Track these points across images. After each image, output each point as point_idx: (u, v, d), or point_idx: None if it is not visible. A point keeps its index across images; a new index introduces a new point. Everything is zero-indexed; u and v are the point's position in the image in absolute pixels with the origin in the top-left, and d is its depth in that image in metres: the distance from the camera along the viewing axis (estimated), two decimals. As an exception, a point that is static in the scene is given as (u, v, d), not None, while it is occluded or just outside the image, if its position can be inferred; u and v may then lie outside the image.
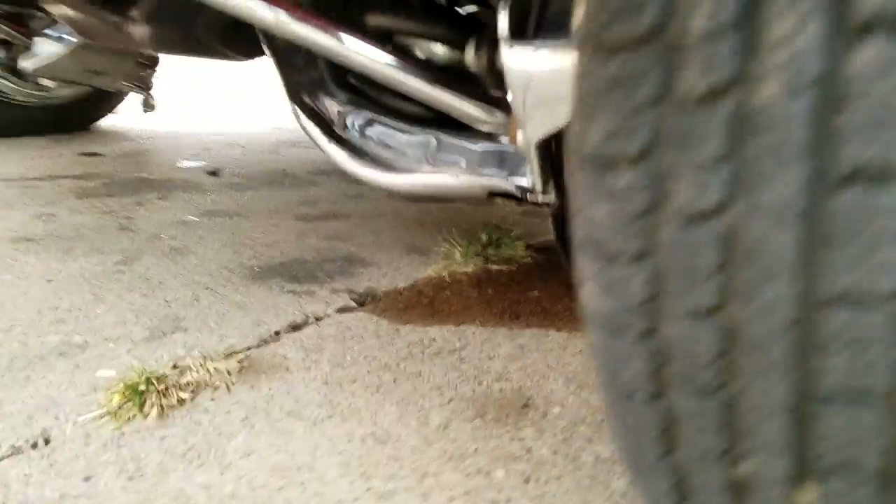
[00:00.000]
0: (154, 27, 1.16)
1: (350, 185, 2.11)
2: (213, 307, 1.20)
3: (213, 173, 2.16)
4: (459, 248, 1.48)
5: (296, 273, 1.38)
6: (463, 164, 0.85)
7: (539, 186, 0.63)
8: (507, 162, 0.83)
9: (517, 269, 1.44)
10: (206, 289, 1.28)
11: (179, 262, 1.41)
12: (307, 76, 1.03)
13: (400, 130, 0.90)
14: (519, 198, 0.87)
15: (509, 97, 0.59)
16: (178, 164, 2.30)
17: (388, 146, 0.91)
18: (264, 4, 0.78)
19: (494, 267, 1.44)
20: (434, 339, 1.11)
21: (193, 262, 1.41)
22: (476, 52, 0.62)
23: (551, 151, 0.59)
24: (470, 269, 1.42)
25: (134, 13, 1.11)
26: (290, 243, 1.55)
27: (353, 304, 1.25)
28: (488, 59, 0.63)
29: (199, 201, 1.86)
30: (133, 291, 1.26)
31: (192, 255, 1.45)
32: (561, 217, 0.65)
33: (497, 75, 0.68)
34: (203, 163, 2.34)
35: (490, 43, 0.62)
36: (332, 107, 0.99)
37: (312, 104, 1.00)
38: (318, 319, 1.18)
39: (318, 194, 2.00)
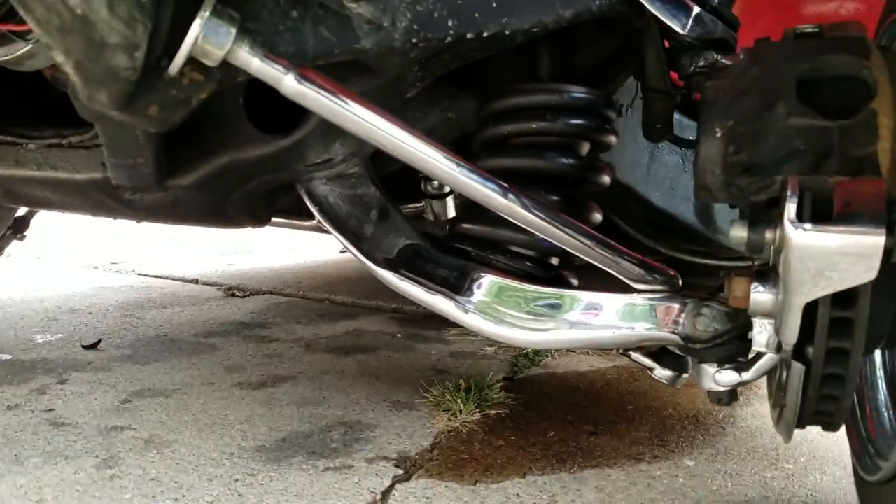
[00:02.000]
0: (190, 196, 1.06)
1: (248, 344, 1.99)
2: (265, 502, 1.06)
3: (93, 346, 1.87)
4: (449, 398, 1.50)
5: (311, 447, 1.27)
6: (600, 319, 0.94)
7: (790, 340, 0.75)
8: (645, 316, 0.94)
9: (512, 411, 1.50)
10: (235, 481, 1.13)
11: (167, 458, 1.21)
12: (405, 244, 1.05)
13: (530, 293, 0.96)
14: (659, 353, 0.99)
15: (781, 267, 0.72)
16: (36, 339, 1.94)
17: (520, 308, 0.96)
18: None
19: (492, 412, 1.48)
20: (518, 495, 1.12)
21: (186, 455, 1.22)
22: (758, 229, 0.74)
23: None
24: (475, 416, 1.45)
25: (181, 181, 1.01)
26: (267, 417, 1.42)
27: (400, 471, 1.20)
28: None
29: (113, 381, 1.60)
30: None
31: (175, 447, 1.25)
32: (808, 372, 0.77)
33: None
34: (60, 335, 2.00)
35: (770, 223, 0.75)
36: (440, 271, 1.01)
37: (420, 273, 1.01)
38: (384, 494, 1.11)
39: (231, 358, 1.84)
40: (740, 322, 0.91)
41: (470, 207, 1.11)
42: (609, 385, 1.75)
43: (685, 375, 1.32)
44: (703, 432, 1.44)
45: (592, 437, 1.39)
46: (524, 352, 1.96)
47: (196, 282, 3.01)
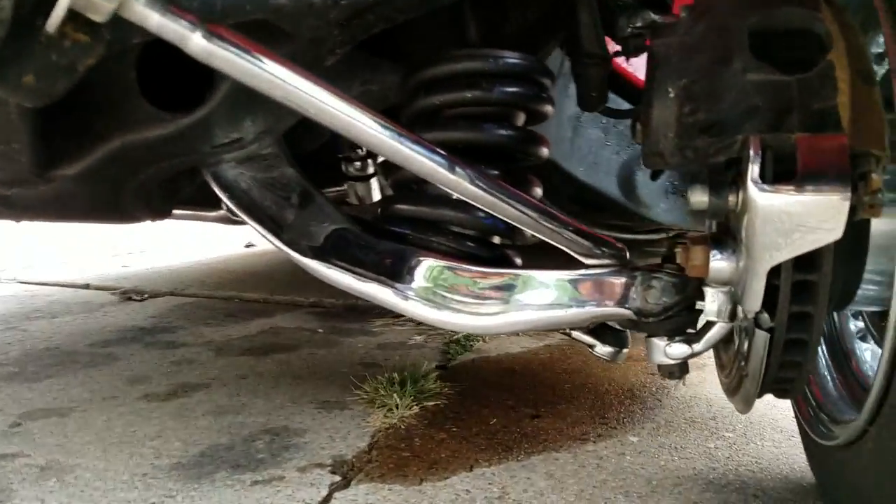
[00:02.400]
0: (78, 188, 0.91)
1: (152, 351, 1.82)
2: (190, 527, 0.95)
3: (-31, 366, 1.65)
4: (383, 393, 1.41)
5: (235, 460, 1.16)
6: (551, 298, 0.89)
7: (754, 307, 0.71)
8: (597, 292, 0.89)
9: (450, 400, 1.44)
10: (151, 508, 1.00)
11: (68, 485, 1.06)
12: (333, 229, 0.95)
13: (476, 275, 0.89)
14: (620, 329, 0.94)
15: (742, 230, 0.68)
16: None
17: (466, 292, 0.88)
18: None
19: (430, 403, 1.41)
20: (468, 490, 1.06)
21: (90, 480, 1.08)
22: (721, 192, 0.70)
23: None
24: (412, 410, 1.37)
25: (66, 170, 0.85)
26: (180, 430, 1.29)
27: (338, 478, 1.11)
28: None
29: (3, 406, 1.41)
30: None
31: (78, 472, 1.10)
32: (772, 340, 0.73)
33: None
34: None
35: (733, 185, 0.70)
36: (374, 257, 0.92)
37: (356, 261, 0.91)
38: (324, 505, 1.02)
39: (134, 368, 1.67)
40: (689, 293, 0.88)
41: (403, 187, 1.03)
42: (544, 365, 1.72)
43: (625, 351, 1.30)
44: (640, 406, 1.43)
45: (535, 419, 1.34)
46: (455, 337, 1.90)
47: (87, 287, 2.76)
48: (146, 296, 2.59)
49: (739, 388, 0.85)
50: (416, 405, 1.39)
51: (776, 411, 1.38)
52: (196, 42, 0.60)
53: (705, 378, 1.61)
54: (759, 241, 0.67)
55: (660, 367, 0.95)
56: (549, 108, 1.00)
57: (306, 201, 1.00)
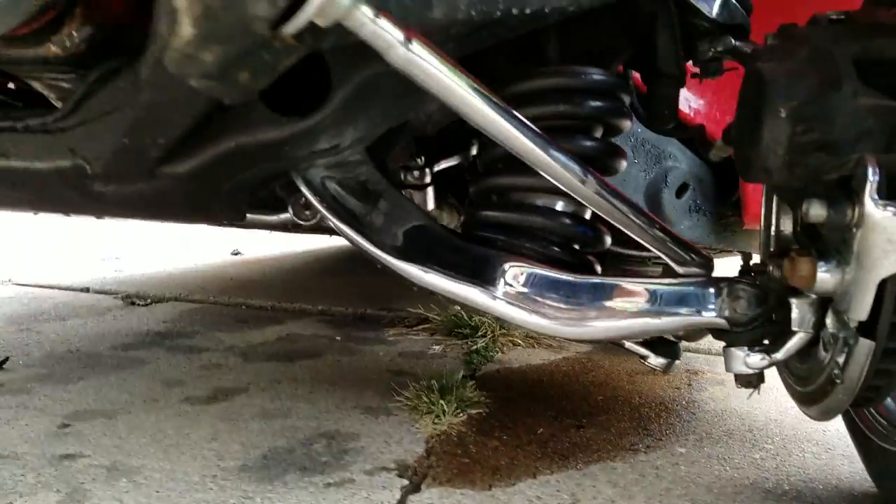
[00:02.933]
0: (181, 186, 0.91)
1: (177, 356, 1.81)
2: (277, 527, 0.95)
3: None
4: (426, 400, 1.43)
5: (300, 463, 1.16)
6: (645, 306, 0.92)
7: (861, 316, 0.76)
8: (690, 301, 0.93)
9: (491, 409, 1.46)
10: (231, 508, 1.00)
11: (142, 486, 1.05)
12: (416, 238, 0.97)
13: (570, 281, 0.92)
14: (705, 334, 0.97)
15: (856, 244, 0.73)
16: None
17: (559, 297, 0.91)
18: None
19: (473, 411, 1.44)
20: (539, 497, 1.09)
21: (163, 481, 1.07)
22: (839, 207, 0.74)
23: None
24: (459, 418, 1.39)
25: (176, 168, 0.86)
26: (234, 433, 1.28)
27: (406, 481, 1.12)
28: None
29: (38, 405, 1.38)
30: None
31: (146, 472, 1.09)
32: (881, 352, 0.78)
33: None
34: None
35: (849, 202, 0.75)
36: (464, 260, 0.95)
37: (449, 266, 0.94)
38: (401, 508, 1.03)
39: (164, 372, 1.65)
40: (771, 304, 0.93)
41: (487, 194, 1.05)
42: (568, 377, 1.75)
43: (677, 362, 1.35)
44: (676, 418, 1.48)
45: (580, 430, 1.37)
46: (475, 348, 1.92)
47: (87, 290, 2.71)
48: (149, 301, 2.55)
49: (825, 398, 0.90)
50: (461, 412, 1.41)
51: (808, 425, 1.44)
52: (399, 52, 0.63)
53: (728, 393, 1.67)
54: (873, 253, 0.71)
55: (737, 377, 0.99)
56: (627, 123, 1.04)
57: (392, 203, 1.02)
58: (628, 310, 0.92)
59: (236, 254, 4.29)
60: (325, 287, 3.07)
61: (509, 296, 0.92)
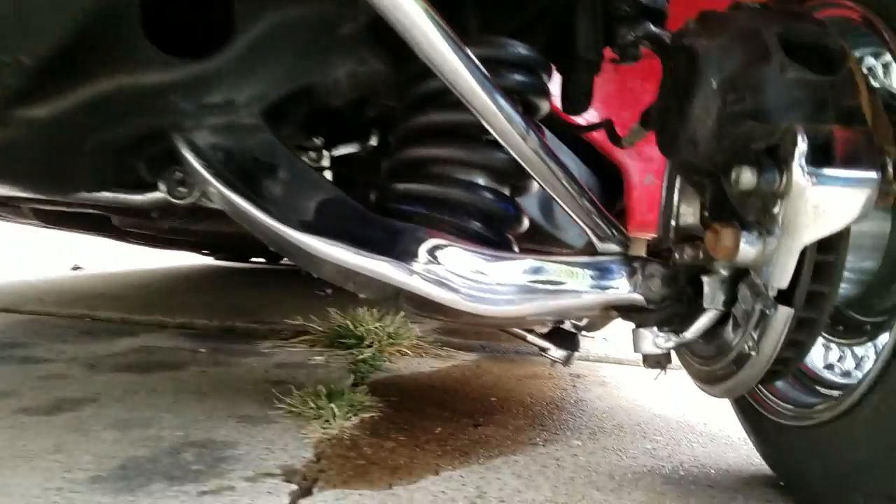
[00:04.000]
0: (38, 139, 0.73)
1: (10, 367, 1.55)
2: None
3: None
4: (313, 406, 1.31)
5: (167, 472, 1.01)
6: (567, 284, 0.89)
7: (783, 284, 0.76)
8: (611, 278, 0.91)
9: (384, 413, 1.37)
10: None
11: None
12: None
13: (493, 258, 0.86)
14: (622, 315, 0.95)
15: (782, 212, 0.73)
16: None
17: (480, 276, 0.86)
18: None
19: (366, 415, 1.34)
20: (444, 492, 1.01)
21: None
22: (769, 173, 0.73)
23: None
24: (351, 421, 1.29)
25: (37, 111, 0.68)
26: (83, 444, 1.10)
27: (294, 486, 1.00)
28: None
29: None
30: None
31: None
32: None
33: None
34: None
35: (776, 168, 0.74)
36: (379, 235, 0.86)
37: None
38: (294, 514, 0.92)
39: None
40: (682, 282, 0.93)
41: (403, 167, 0.98)
42: (460, 382, 1.70)
43: (576, 353, 1.33)
44: (568, 415, 1.46)
45: (478, 427, 1.32)
46: (362, 358, 1.82)
47: None
48: (-29, 312, 2.20)
49: (733, 375, 0.90)
50: (353, 416, 1.31)
51: (691, 419, 1.49)
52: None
53: (612, 393, 1.69)
54: (799, 220, 0.73)
55: (646, 357, 0.98)
56: (546, 105, 1.02)
57: (294, 174, 0.92)
58: (551, 288, 0.88)
59: (77, 269, 3.86)
60: (188, 302, 2.82)
61: (427, 271, 0.85)
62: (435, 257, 0.85)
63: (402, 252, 0.85)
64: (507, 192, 0.97)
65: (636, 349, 0.94)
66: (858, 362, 1.01)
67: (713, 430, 1.42)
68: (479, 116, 0.76)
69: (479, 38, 0.95)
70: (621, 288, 0.90)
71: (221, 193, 0.90)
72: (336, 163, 1.28)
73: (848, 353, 1.03)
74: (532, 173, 0.81)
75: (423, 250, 0.85)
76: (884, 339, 0.91)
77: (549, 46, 1.12)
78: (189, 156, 0.89)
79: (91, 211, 1.54)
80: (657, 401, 1.64)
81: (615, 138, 1.12)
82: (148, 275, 3.70)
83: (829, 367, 1.03)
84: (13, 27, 0.63)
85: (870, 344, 0.97)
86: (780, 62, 0.75)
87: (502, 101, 0.74)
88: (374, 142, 1.32)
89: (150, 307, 2.48)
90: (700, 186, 0.98)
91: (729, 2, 0.90)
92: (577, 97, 1.06)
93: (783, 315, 0.78)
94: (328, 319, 2.06)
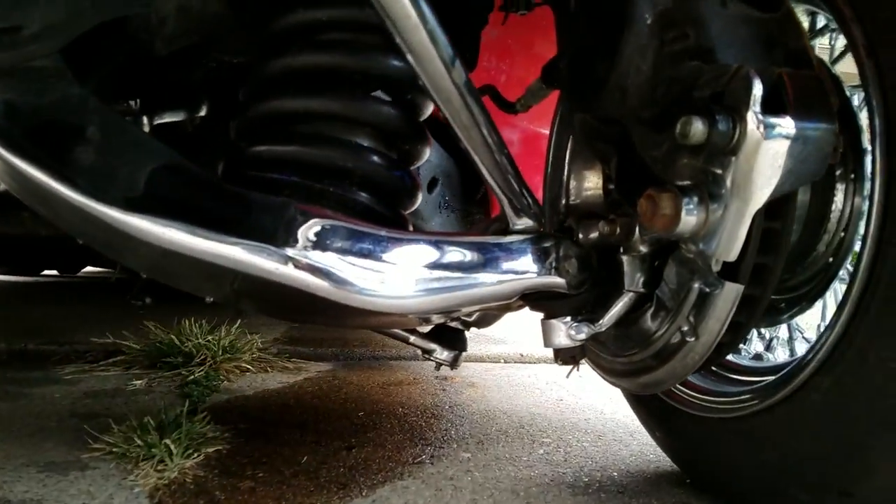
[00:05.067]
0: None
1: None
2: None
3: None
4: (140, 444, 1.04)
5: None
6: (481, 267, 0.73)
7: (733, 255, 0.65)
8: (530, 259, 0.77)
9: (234, 445, 1.13)
10: None
11: None
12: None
13: (382, 239, 0.67)
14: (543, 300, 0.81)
15: (728, 171, 0.63)
16: None
17: (376, 262, 0.66)
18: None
19: (211, 450, 1.09)
20: (327, 538, 0.81)
21: None
22: (722, 121, 0.61)
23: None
24: (194, 460, 1.04)
25: None
26: None
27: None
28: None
29: None
30: None
31: None
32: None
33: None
34: None
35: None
36: (235, 211, 0.64)
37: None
38: None
39: None
40: (595, 265, 0.82)
41: (264, 124, 0.76)
42: (318, 397, 1.48)
43: (464, 354, 1.18)
44: (448, 423, 1.31)
45: (352, 451, 1.12)
46: (193, 378, 1.54)
47: None
48: None
49: (658, 367, 0.80)
50: (195, 453, 1.05)
51: (572, 415, 1.40)
52: None
53: (484, 394, 1.57)
54: (754, 179, 0.62)
55: (557, 352, 0.85)
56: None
57: (111, 134, 0.67)
58: (461, 275, 0.72)
59: None
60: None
61: (307, 257, 0.64)
62: (316, 239, 0.65)
63: (269, 233, 0.64)
64: (395, 157, 0.79)
65: (547, 343, 0.81)
66: (768, 345, 0.96)
67: (597, 426, 1.34)
68: (393, 28, 0.57)
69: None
70: (539, 271, 0.76)
71: (5, 162, 0.63)
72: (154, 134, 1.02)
73: (754, 335, 0.98)
74: (451, 120, 0.64)
75: (300, 230, 0.65)
76: (811, 316, 0.85)
77: None
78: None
79: None
80: (529, 397, 1.55)
81: (504, 104, 0.98)
82: None
83: (737, 351, 0.96)
84: None
85: (785, 324, 0.92)
86: (720, -5, 0.65)
87: (426, 11, 0.56)
88: (203, 111, 1.07)
89: None
90: (604, 153, 0.86)
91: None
92: (462, 53, 0.91)
93: (731, 292, 0.69)
94: (146, 336, 1.74)
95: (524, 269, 0.75)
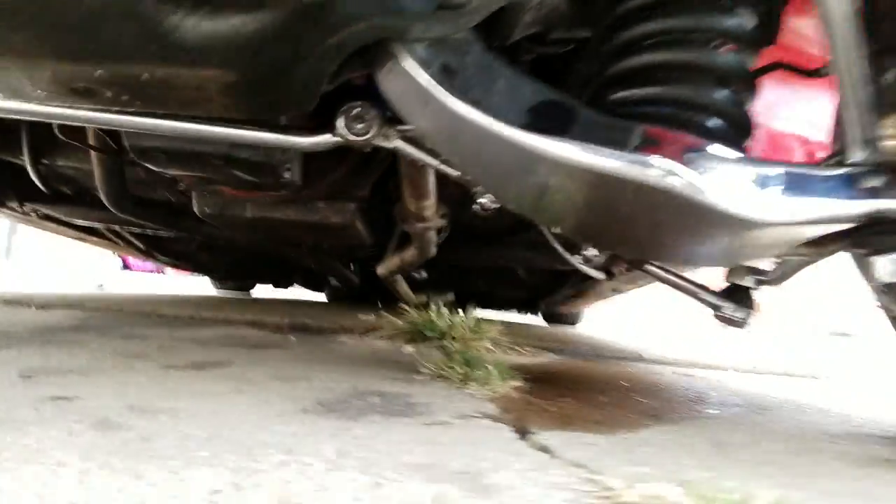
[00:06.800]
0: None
1: (115, 342, 1.47)
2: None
3: None
4: (459, 372, 1.25)
5: (371, 408, 0.94)
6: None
7: None
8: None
9: (536, 385, 1.31)
10: (332, 436, 0.77)
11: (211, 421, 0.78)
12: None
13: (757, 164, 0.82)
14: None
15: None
16: None
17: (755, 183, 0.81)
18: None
19: (517, 383, 1.28)
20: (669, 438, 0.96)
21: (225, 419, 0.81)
22: None
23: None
24: (510, 385, 1.23)
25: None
26: (258, 391, 1.03)
27: (511, 427, 0.94)
28: None
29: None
30: None
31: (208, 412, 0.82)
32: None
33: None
34: None
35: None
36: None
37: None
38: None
39: (119, 347, 1.32)
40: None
41: (627, 76, 0.92)
42: (577, 371, 1.64)
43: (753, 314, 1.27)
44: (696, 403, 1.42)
45: (639, 401, 1.26)
46: (454, 349, 1.75)
47: None
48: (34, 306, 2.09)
49: None
50: (509, 381, 1.25)
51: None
52: None
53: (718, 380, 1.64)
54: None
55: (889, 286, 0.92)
56: None
57: (511, 84, 0.88)
58: (822, 194, 0.84)
59: (101, 287, 3.83)
60: (245, 311, 2.74)
61: (684, 172, 0.80)
62: (705, 163, 0.81)
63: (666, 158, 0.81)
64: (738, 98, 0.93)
65: (871, 279, 0.90)
66: None
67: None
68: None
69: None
70: (883, 196, 0.84)
71: (442, 105, 0.85)
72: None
73: None
74: (833, 49, 0.77)
75: (692, 156, 0.81)
76: None
77: None
78: (410, 63, 0.85)
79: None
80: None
81: (806, 72, 1.09)
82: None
83: None
84: None
85: None
86: None
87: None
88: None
89: (214, 307, 2.40)
90: None
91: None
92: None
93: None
94: (400, 314, 1.98)
95: (873, 194, 0.83)
